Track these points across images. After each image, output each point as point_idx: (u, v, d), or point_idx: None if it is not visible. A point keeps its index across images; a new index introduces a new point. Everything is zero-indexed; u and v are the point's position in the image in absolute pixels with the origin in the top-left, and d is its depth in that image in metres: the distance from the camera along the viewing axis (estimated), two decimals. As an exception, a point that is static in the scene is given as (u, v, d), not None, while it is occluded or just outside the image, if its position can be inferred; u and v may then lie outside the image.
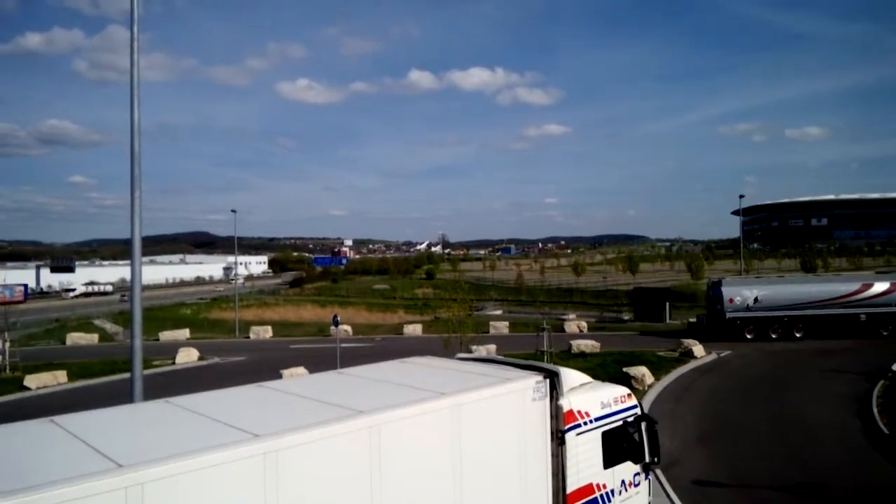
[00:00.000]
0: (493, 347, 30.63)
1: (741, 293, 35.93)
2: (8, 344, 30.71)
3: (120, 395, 12.90)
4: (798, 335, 34.95)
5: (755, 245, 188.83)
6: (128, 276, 12.94)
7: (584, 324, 43.30)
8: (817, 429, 18.05)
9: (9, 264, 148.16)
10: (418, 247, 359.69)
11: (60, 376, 27.74)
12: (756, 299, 35.51)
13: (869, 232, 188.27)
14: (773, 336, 35.10)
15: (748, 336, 35.30)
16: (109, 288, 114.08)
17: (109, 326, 54.22)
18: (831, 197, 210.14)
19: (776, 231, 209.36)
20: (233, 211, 53.04)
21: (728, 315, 35.72)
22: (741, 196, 46.40)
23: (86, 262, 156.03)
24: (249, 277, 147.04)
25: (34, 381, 26.65)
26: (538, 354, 26.13)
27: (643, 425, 9.85)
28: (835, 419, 19.02)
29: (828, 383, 23.74)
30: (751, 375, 26.11)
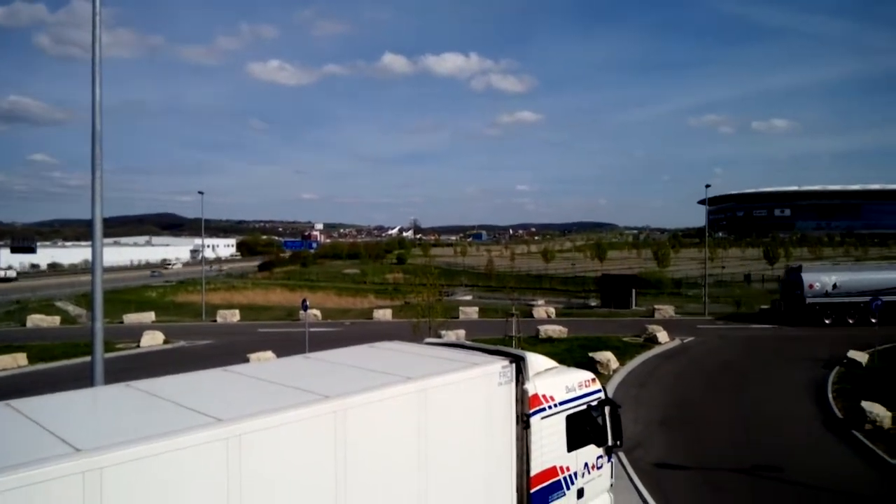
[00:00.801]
0: (462, 332, 30.80)
1: (820, 279, 36.44)
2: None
3: (81, 379, 12.66)
4: (874, 321, 35.21)
5: (720, 234, 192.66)
6: (90, 257, 12.64)
7: (552, 310, 43.78)
8: (775, 413, 18.57)
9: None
10: (390, 232, 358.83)
11: (20, 359, 27.08)
12: (835, 285, 35.96)
13: (829, 222, 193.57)
14: (850, 321, 35.39)
15: (826, 321, 35.74)
16: (13, 273, 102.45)
17: (72, 308, 53.05)
18: (794, 188, 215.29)
19: (741, 220, 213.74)
20: (200, 192, 51.79)
21: (808, 300, 36.14)
22: (707, 186, 47.03)
23: (48, 243, 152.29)
24: (217, 261, 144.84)
25: (-8, 364, 25.99)
26: (507, 339, 26.37)
27: (607, 409, 10.00)
28: (792, 404, 19.60)
29: (787, 370, 24.41)
30: (713, 361, 26.72)
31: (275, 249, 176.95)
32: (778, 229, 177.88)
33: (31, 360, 27.57)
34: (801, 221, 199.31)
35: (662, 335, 30.79)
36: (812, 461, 14.58)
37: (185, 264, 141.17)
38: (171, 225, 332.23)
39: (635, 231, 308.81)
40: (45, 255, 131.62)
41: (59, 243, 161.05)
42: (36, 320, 42.08)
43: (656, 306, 43.15)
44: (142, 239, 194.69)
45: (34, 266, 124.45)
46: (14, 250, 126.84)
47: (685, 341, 31.34)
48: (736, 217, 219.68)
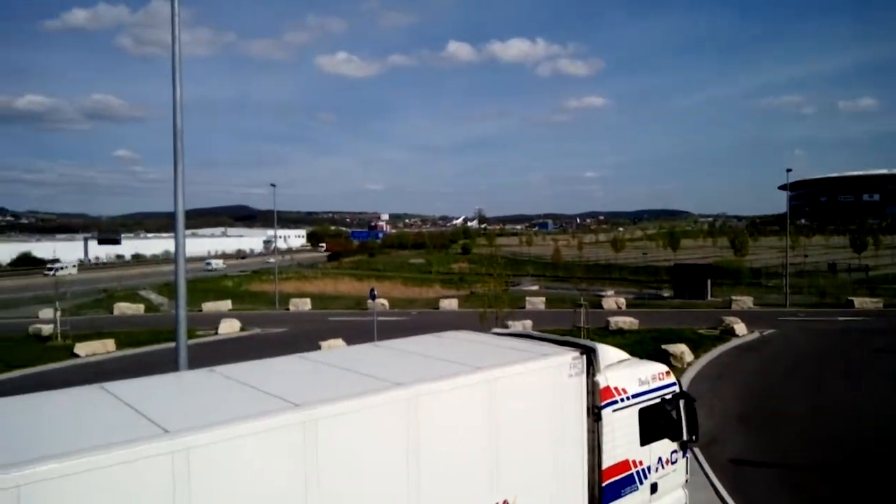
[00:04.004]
0: (529, 323, 30.56)
1: None
2: (59, 313, 31.86)
3: (165, 364, 13.28)
4: None
5: (803, 221, 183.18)
6: (172, 249, 13.23)
7: (622, 300, 42.83)
8: (862, 410, 17.60)
9: (58, 236, 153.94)
10: (454, 221, 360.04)
11: (109, 344, 28.73)
12: None
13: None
14: None
15: None
16: (74, 271, 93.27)
17: (155, 297, 55.84)
18: (884, 171, 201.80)
19: (825, 206, 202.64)
20: (272, 185, 53.43)
21: None
22: (788, 170, 44.19)
23: (131, 235, 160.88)
24: (288, 251, 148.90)
25: (84, 349, 27.68)
26: (575, 331, 26.01)
27: (681, 403, 9.74)
28: (880, 401, 18.52)
29: (876, 363, 23.07)
30: (795, 354, 25.51)
31: (343, 240, 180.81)
32: (866, 215, 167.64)
33: (119, 345, 29.19)
34: (892, 207, 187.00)
35: (740, 327, 29.62)
36: (904, 462, 13.74)
37: (260, 254, 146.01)
38: (245, 216, 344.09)
39: (710, 219, 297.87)
40: (129, 247, 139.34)
41: (142, 235, 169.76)
42: (122, 308, 44.54)
43: (733, 297, 41.54)
44: (218, 230, 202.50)
45: (119, 257, 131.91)
46: (101, 242, 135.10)
47: (765, 333, 30.06)
48: (819, 203, 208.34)
